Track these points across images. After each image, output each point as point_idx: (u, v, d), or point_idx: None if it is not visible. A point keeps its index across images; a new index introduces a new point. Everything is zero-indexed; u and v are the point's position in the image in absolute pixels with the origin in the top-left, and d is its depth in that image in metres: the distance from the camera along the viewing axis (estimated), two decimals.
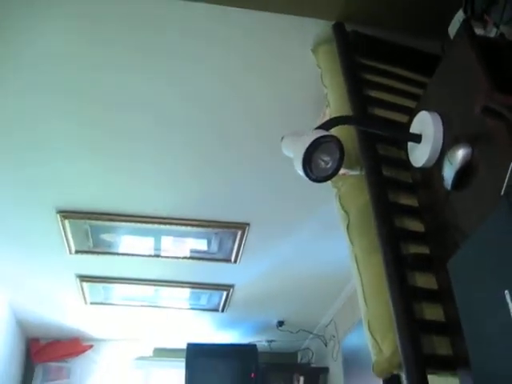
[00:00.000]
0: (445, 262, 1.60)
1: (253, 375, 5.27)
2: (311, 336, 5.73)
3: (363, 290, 1.84)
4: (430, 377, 1.59)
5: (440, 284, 1.71)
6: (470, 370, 1.54)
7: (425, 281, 1.72)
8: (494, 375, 1.37)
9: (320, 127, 1.55)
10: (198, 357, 5.36)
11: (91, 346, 5.85)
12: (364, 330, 1.81)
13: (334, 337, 5.27)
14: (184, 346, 5.40)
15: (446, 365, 1.62)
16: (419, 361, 1.54)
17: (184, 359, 5.35)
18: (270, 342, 5.75)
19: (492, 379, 1.38)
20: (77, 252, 4.08)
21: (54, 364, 5.86)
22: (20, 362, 5.70)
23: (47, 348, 5.83)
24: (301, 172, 1.51)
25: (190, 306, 5.16)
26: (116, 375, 6.02)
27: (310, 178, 1.52)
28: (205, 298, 4.94)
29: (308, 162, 1.48)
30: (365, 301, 1.82)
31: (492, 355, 1.37)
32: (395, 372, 1.69)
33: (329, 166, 1.54)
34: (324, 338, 5.54)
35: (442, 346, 1.64)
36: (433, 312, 1.69)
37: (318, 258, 4.27)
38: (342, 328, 5.02)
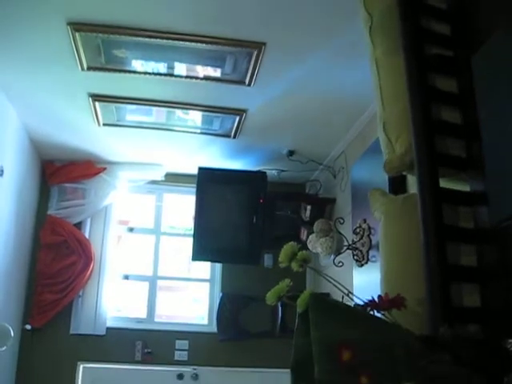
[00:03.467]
0: (468, 62, 1.55)
1: (261, 200, 5.39)
2: (321, 167, 5.73)
3: (381, 92, 1.81)
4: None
5: (461, 87, 1.68)
6: (481, 171, 1.55)
7: (445, 84, 1.69)
8: (510, 173, 1.37)
9: None
10: (209, 181, 5.45)
11: (105, 169, 5.91)
12: (379, 133, 1.81)
13: (343, 168, 5.28)
14: (195, 173, 5.48)
15: (457, 165, 1.63)
16: (431, 158, 1.54)
17: (195, 185, 5.46)
18: (279, 171, 5.77)
19: (506, 176, 1.39)
20: (89, 68, 4.00)
21: (69, 185, 5.97)
22: (35, 183, 5.85)
23: (62, 170, 5.93)
24: None
25: (202, 131, 5.14)
26: (129, 197, 6.23)
27: None
28: (217, 122, 4.90)
29: None
30: (382, 103, 1.80)
31: (509, 151, 1.36)
32: (405, 172, 1.71)
33: None
34: (333, 170, 5.56)
35: (455, 148, 1.64)
36: (450, 115, 1.67)
37: (334, 84, 4.17)
38: (352, 160, 5.00)
